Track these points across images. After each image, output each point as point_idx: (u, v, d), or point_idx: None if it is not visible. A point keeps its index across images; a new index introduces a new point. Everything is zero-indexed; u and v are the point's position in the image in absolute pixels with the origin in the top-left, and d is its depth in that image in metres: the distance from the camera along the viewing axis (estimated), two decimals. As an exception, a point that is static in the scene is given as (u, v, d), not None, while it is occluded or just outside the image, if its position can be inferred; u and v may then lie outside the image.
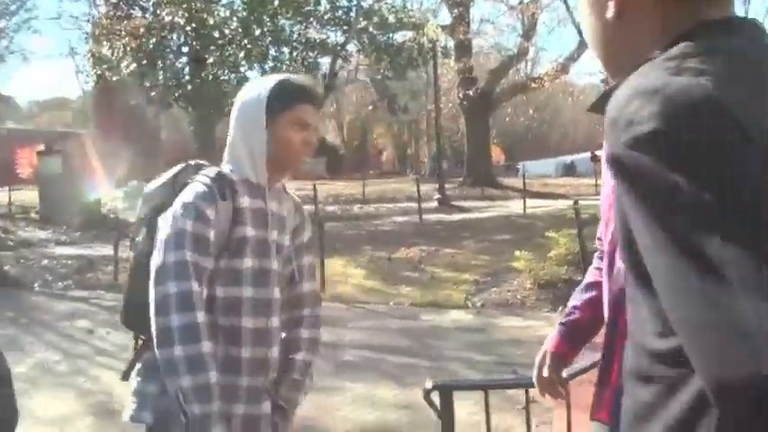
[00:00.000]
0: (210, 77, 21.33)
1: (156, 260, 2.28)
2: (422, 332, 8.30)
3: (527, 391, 2.98)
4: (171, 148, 57.05)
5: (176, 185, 2.44)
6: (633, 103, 1.00)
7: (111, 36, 22.03)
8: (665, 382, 1.06)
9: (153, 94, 22.21)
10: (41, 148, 57.14)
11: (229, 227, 2.35)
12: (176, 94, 22.16)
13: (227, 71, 22.20)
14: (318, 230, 10.71)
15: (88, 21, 30.69)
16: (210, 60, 21.50)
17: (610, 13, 1.16)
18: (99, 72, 23.38)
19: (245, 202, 2.39)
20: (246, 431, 2.38)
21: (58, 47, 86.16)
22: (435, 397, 2.96)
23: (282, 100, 2.43)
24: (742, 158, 0.92)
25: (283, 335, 2.58)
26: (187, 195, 2.35)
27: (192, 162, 2.57)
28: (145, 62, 21.51)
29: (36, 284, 12.39)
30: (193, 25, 21.66)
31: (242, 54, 21.70)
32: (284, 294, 2.54)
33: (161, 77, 21.92)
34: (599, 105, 1.16)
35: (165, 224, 2.33)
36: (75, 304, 10.71)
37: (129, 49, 21.22)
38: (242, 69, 22.43)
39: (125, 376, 2.49)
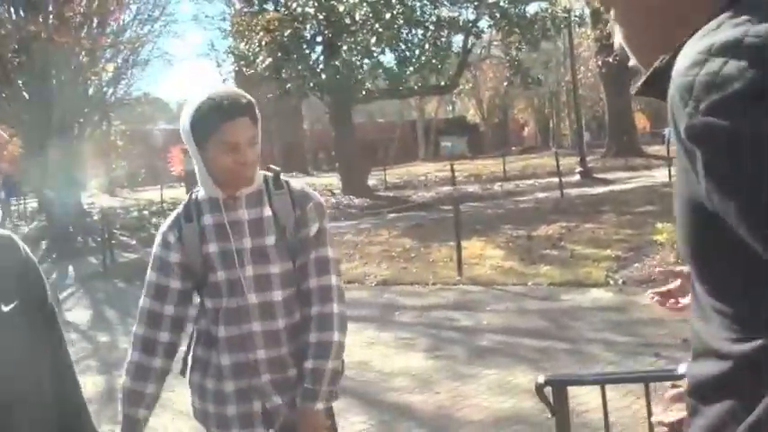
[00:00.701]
0: (344, 64, 21.45)
1: None
2: (560, 313, 8.02)
3: (646, 386, 2.74)
4: (314, 137, 58.41)
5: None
6: (708, 63, 0.84)
7: (247, 32, 22.53)
8: (745, 389, 0.92)
9: (289, 85, 22.55)
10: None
11: (198, 245, 2.55)
12: (311, 84, 22.42)
13: (360, 56, 22.29)
14: (455, 212, 10.57)
15: (224, 19, 31.53)
16: (344, 48, 21.64)
17: None
18: (237, 68, 23.98)
19: (207, 219, 2.57)
20: (242, 426, 2.58)
21: (202, 46, 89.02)
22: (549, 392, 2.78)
23: (203, 126, 2.44)
24: None
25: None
26: (163, 224, 2.69)
27: (195, 189, 2.69)
28: (279, 54, 21.88)
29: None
30: (324, 14, 21.86)
31: (374, 39, 21.73)
32: (297, 290, 2.59)
33: (296, 68, 22.20)
34: (650, 86, 0.98)
35: None
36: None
37: (263, 43, 21.64)
38: (375, 54, 22.50)
39: (183, 372, 2.73)
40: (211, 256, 2.53)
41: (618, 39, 1.11)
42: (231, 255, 2.51)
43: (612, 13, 1.10)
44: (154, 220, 23.70)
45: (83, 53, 21.19)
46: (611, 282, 8.90)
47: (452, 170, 21.73)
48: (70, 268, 16.32)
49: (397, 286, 10.25)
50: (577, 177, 24.02)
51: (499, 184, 26.53)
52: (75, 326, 9.67)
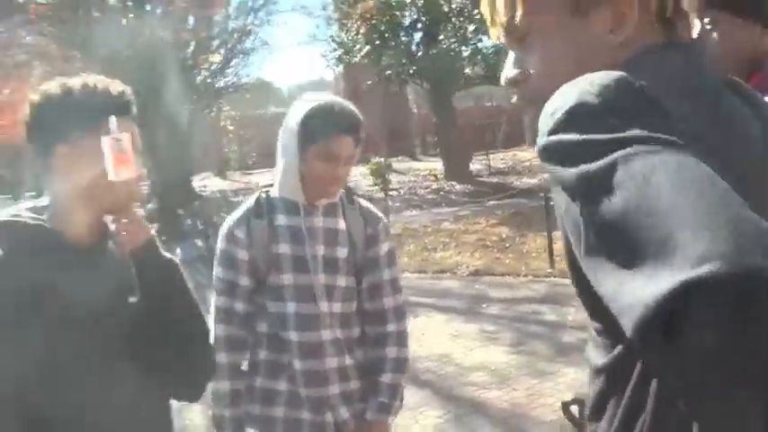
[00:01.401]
0: (442, 51, 21.39)
1: None
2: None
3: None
4: (421, 120, 58.33)
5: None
6: (557, 98, 0.96)
7: (345, 20, 22.72)
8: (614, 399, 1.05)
9: (388, 72, 22.65)
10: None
11: (268, 244, 2.52)
12: (410, 71, 22.45)
13: (458, 43, 22.18)
14: (545, 201, 10.42)
15: (324, 8, 31.82)
16: (441, 35, 21.58)
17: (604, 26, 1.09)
18: (337, 56, 24.21)
19: (281, 219, 2.54)
20: None
21: (307, 32, 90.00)
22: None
23: (310, 131, 2.46)
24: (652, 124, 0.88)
25: (365, 355, 2.67)
26: (226, 219, 2.62)
27: (264, 188, 2.69)
28: (378, 42, 21.97)
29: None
30: (422, 1, 21.81)
31: (472, 26, 21.58)
32: (360, 306, 2.64)
33: (394, 56, 22.26)
34: None
35: None
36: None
37: (361, 31, 21.79)
38: (473, 40, 22.34)
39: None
40: (282, 257, 2.51)
41: (510, 73, 1.21)
42: (304, 259, 2.51)
43: (521, 53, 1.19)
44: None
45: (189, 45, 21.82)
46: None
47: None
48: (178, 250, 16.82)
49: (488, 277, 10.24)
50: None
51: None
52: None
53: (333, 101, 2.53)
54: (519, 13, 1.13)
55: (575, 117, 0.91)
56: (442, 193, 22.20)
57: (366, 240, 2.60)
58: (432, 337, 7.53)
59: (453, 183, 23.21)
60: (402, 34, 23.05)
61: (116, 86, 1.84)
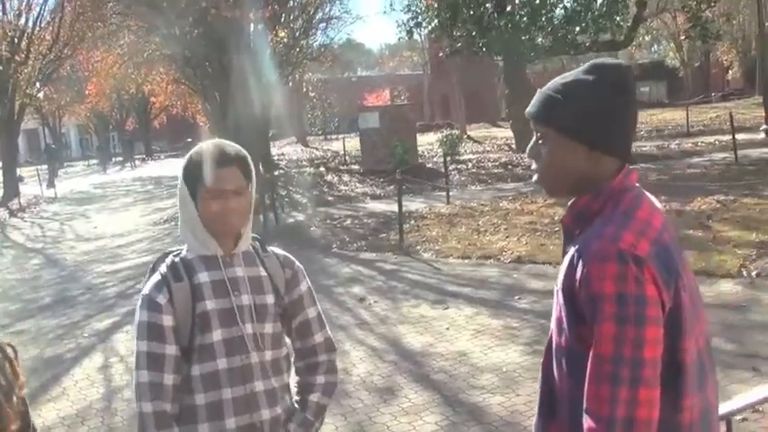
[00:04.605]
0: (512, 23, 21.09)
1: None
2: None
3: (728, 424, 2.67)
4: (505, 87, 57.60)
5: (152, 274, 2.60)
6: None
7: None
8: None
9: (459, 44, 22.49)
10: (386, 93, 59.98)
11: (191, 304, 2.47)
12: (480, 43, 22.23)
13: (528, 15, 21.82)
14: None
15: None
16: (508, 8, 21.27)
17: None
18: (408, 27, 24.15)
19: (202, 277, 2.51)
20: None
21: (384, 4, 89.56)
22: None
23: (192, 175, 2.50)
24: None
25: (295, 382, 2.73)
26: (144, 288, 2.54)
27: (169, 250, 2.66)
28: (447, 15, 21.80)
29: (334, 246, 13.24)
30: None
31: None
32: (295, 345, 2.73)
33: (465, 27, 22.05)
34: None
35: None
36: (360, 268, 11.32)
37: (429, 4, 21.67)
38: (543, 12, 21.92)
39: None
40: (208, 314, 2.47)
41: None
42: (232, 311, 2.49)
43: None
44: (328, 177, 24.45)
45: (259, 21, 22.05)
46: (744, 273, 8.44)
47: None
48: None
49: (529, 265, 10.18)
50: (762, 136, 22.35)
51: (677, 142, 25.25)
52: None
53: (210, 143, 2.56)
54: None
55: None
56: (509, 166, 22.04)
57: (286, 284, 2.65)
58: (453, 333, 7.59)
59: (523, 155, 22.95)
60: (473, 6, 22.80)
61: None
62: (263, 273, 2.60)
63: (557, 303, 1.99)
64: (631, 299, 1.78)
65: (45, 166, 40.18)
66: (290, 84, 40.64)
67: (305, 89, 47.56)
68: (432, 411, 5.80)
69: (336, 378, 2.78)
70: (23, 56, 31.40)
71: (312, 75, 46.64)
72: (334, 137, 52.29)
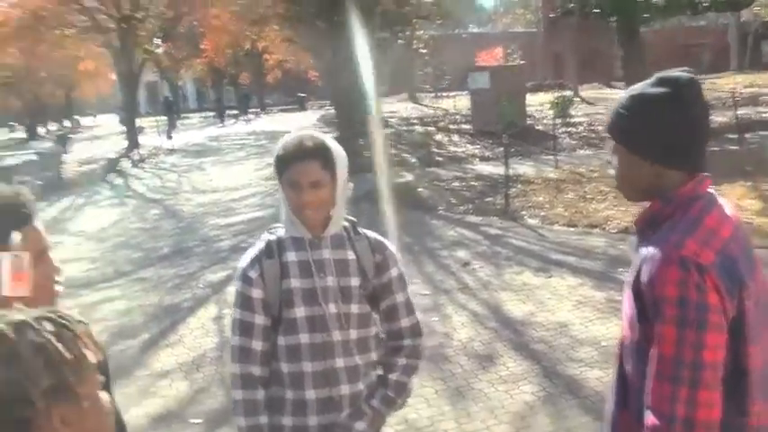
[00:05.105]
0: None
1: None
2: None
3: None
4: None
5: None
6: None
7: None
8: None
9: (572, 4, 22.06)
10: (498, 51, 59.01)
11: (279, 281, 2.68)
12: (594, 3, 21.74)
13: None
14: (739, 144, 10.02)
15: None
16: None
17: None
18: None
19: (290, 256, 2.70)
20: None
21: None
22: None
23: (277, 164, 2.67)
24: None
25: (380, 360, 2.86)
26: (241, 261, 2.78)
27: (270, 227, 2.85)
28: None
29: (441, 208, 13.36)
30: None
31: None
32: (382, 327, 2.85)
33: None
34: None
35: None
36: (465, 231, 11.44)
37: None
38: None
39: None
40: (292, 291, 2.66)
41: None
42: (314, 291, 2.66)
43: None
44: (438, 137, 24.47)
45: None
46: None
47: (734, 95, 20.04)
48: (350, 185, 17.25)
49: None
50: None
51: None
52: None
53: (292, 136, 2.69)
54: None
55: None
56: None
57: (375, 267, 2.77)
58: (555, 303, 7.66)
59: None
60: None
61: (13, 197, 1.90)
62: (351, 255, 2.74)
63: (627, 299, 2.10)
64: (692, 304, 1.89)
65: (164, 118, 41.51)
66: (402, 41, 40.63)
67: (416, 46, 47.31)
68: (529, 381, 5.93)
69: (418, 361, 2.90)
70: (144, 14, 32.50)
71: (424, 31, 46.34)
72: (445, 94, 52.00)
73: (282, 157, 2.64)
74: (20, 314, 1.29)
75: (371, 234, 2.86)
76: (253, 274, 2.69)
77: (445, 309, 7.85)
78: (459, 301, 8.08)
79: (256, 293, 2.68)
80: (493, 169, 16.64)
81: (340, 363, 2.69)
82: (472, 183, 15.48)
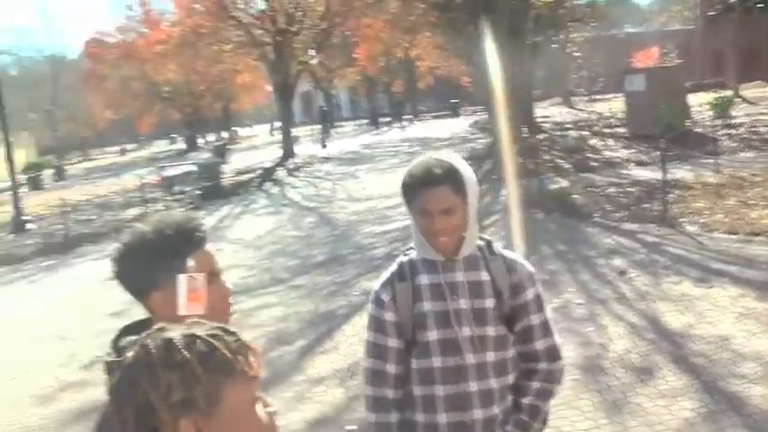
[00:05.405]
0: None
1: None
2: None
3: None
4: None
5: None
6: None
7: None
8: None
9: (732, 0, 21.12)
10: (654, 50, 57.32)
11: (411, 304, 2.66)
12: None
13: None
14: None
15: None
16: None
17: None
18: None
19: (423, 279, 2.67)
20: None
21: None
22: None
23: (405, 191, 2.64)
24: None
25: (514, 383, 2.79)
26: (374, 285, 2.79)
27: (404, 249, 2.84)
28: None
29: (596, 214, 13.08)
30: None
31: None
32: (516, 348, 2.74)
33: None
34: None
35: None
36: (621, 239, 11.15)
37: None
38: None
39: None
40: (425, 314, 2.64)
41: None
42: (447, 314, 2.62)
43: None
44: (592, 141, 23.99)
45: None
46: None
47: None
48: (503, 192, 17.15)
49: (807, 244, 9.58)
50: None
51: None
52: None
53: (425, 159, 2.64)
54: None
55: None
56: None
57: (511, 289, 2.69)
58: (716, 315, 7.37)
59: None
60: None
61: (187, 222, 2.01)
62: (485, 277, 2.67)
63: None
64: None
65: (318, 127, 42.63)
66: (555, 44, 40.11)
67: (569, 49, 46.57)
68: (689, 397, 5.74)
69: (554, 386, 2.79)
70: (298, 26, 33.54)
71: (577, 34, 45.57)
72: (599, 97, 51.00)
73: (410, 184, 2.61)
74: (171, 332, 1.36)
75: (508, 253, 2.78)
76: (385, 297, 2.70)
77: (601, 319, 7.71)
78: (616, 311, 7.91)
79: (389, 316, 2.69)
80: (650, 174, 16.17)
81: (473, 386, 2.64)
82: (628, 188, 15.09)
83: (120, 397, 1.31)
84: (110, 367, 1.61)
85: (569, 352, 6.88)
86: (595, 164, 19.47)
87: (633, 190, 14.82)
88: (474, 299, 2.64)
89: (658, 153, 14.81)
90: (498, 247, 2.78)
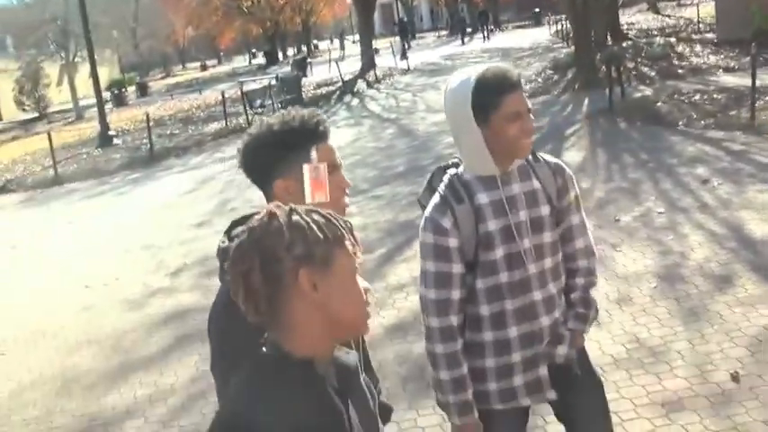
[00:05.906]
0: None
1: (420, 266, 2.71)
2: None
3: None
4: None
5: (430, 191, 2.75)
6: None
7: None
8: None
9: None
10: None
11: (474, 225, 2.59)
12: None
13: None
14: None
15: None
16: None
17: None
18: None
19: (482, 198, 2.60)
20: (529, 393, 2.74)
21: None
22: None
23: (487, 98, 2.50)
24: None
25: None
26: (427, 209, 2.67)
27: (443, 164, 2.79)
28: None
29: (680, 122, 12.75)
30: None
31: None
32: (557, 259, 2.74)
33: None
34: None
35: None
36: (705, 147, 10.86)
37: None
38: None
39: None
40: (491, 234, 2.59)
41: None
42: (510, 229, 2.60)
43: None
44: (679, 48, 23.17)
45: None
46: None
47: None
48: (585, 101, 16.84)
49: None
50: None
51: None
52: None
53: (490, 69, 2.55)
54: None
55: None
56: None
57: (558, 192, 2.71)
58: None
59: None
60: None
61: (311, 118, 2.11)
62: (537, 185, 2.66)
63: None
64: None
65: (398, 39, 42.17)
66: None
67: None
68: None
69: (594, 278, 2.85)
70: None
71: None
72: (688, 2, 48.98)
73: (495, 90, 2.50)
74: (299, 206, 1.56)
75: (549, 158, 2.77)
76: (446, 223, 2.59)
77: (682, 228, 7.60)
78: (697, 219, 7.78)
79: (452, 242, 2.59)
80: (738, 80, 15.60)
81: (538, 295, 2.66)
82: (715, 95, 14.60)
83: (247, 251, 1.48)
84: (224, 252, 1.77)
85: (648, 260, 6.86)
86: (681, 71, 18.85)
87: (720, 97, 14.36)
88: (531, 208, 2.64)
89: (748, 58, 14.29)
90: (540, 153, 2.78)
